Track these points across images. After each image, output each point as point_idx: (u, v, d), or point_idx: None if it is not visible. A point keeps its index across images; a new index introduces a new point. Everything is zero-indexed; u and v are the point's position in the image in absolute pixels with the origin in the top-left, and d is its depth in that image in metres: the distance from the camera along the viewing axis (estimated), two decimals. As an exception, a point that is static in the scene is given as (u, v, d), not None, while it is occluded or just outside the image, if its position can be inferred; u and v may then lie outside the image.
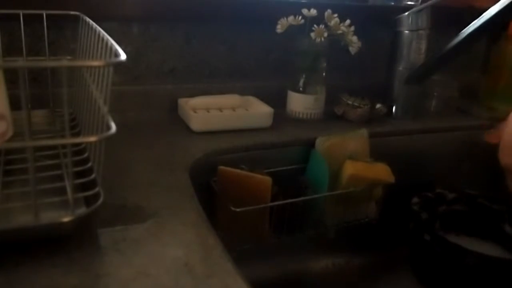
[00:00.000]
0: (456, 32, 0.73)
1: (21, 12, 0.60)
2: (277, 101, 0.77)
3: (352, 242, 0.79)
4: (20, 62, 0.53)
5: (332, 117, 0.80)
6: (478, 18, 0.70)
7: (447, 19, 0.87)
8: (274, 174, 0.62)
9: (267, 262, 0.75)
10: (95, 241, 0.39)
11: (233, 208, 0.57)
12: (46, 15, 0.62)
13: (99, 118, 0.40)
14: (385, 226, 0.76)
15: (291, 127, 0.74)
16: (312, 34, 0.72)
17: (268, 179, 0.60)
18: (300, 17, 0.73)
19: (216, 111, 0.71)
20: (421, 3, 0.84)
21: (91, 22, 0.52)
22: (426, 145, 0.81)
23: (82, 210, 0.39)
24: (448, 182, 0.82)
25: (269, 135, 0.70)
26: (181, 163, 0.58)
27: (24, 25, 0.61)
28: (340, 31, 0.73)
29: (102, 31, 0.45)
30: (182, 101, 0.74)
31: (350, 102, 0.79)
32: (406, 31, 0.81)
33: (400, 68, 0.83)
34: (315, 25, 0.72)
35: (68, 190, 0.42)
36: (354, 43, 0.74)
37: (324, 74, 0.77)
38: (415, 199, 0.73)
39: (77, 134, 0.55)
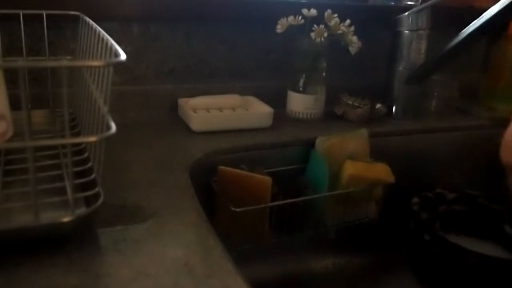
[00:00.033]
0: (456, 32, 0.73)
1: (21, 12, 0.60)
2: (277, 101, 0.77)
3: (352, 242, 0.79)
4: (20, 62, 0.53)
5: (332, 117, 0.80)
6: (478, 18, 0.70)
7: (447, 19, 0.87)
8: (274, 174, 0.62)
9: (267, 262, 0.75)
10: (95, 241, 0.39)
11: (233, 208, 0.57)
12: (46, 15, 0.62)
13: (99, 118, 0.40)
14: (385, 226, 0.76)
15: (291, 127, 0.74)
16: (312, 34, 0.72)
17: (268, 179, 0.60)
18: (300, 17, 0.73)
19: (216, 111, 0.71)
20: (421, 3, 0.84)
21: (91, 22, 0.52)
22: (426, 145, 0.81)
23: (82, 210, 0.39)
24: (448, 182, 0.83)
25: (269, 135, 0.70)
26: (181, 163, 0.58)
27: (24, 25, 0.61)
28: (340, 31, 0.73)
29: (102, 31, 0.45)
30: (182, 101, 0.74)
31: (350, 102, 0.79)
32: (406, 31, 0.81)
33: (400, 68, 0.83)
34: (315, 25, 0.72)
35: (68, 190, 0.42)
36: (354, 43, 0.74)
37: (324, 74, 0.77)
38: (415, 199, 0.73)
39: (77, 134, 0.55)
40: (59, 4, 0.64)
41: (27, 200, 0.37)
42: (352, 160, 0.67)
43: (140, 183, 0.51)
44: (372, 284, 0.79)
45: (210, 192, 0.63)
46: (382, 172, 0.67)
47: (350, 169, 0.66)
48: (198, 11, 0.76)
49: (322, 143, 0.68)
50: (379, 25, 0.88)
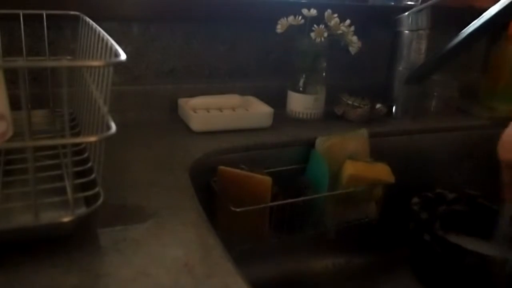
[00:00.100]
0: (456, 32, 0.73)
1: (21, 12, 0.60)
2: (277, 101, 0.77)
3: (352, 242, 0.79)
4: (20, 62, 0.53)
5: (332, 117, 0.80)
6: (478, 18, 0.70)
7: (447, 19, 0.87)
8: (274, 174, 0.62)
9: (267, 262, 0.75)
10: (95, 241, 0.39)
11: (233, 208, 0.57)
12: (46, 15, 0.62)
13: (99, 118, 0.40)
14: (385, 226, 0.76)
15: (291, 127, 0.74)
16: (312, 34, 0.72)
17: (268, 179, 0.60)
18: (300, 17, 0.73)
19: (216, 111, 0.71)
20: (421, 3, 0.84)
21: (91, 22, 0.52)
22: (426, 145, 0.81)
23: (82, 210, 0.39)
24: (448, 182, 0.83)
25: (269, 135, 0.70)
26: (181, 163, 0.58)
27: (24, 25, 0.61)
28: (340, 31, 0.73)
29: (102, 31, 0.45)
30: (182, 101, 0.74)
31: (350, 102, 0.79)
32: (406, 31, 0.81)
33: (400, 68, 0.83)
34: (315, 25, 0.72)
35: (68, 190, 0.42)
36: (354, 43, 0.74)
37: (324, 74, 0.77)
38: (415, 199, 0.73)
39: (77, 134, 0.55)
40: (59, 4, 0.64)
41: (27, 200, 0.37)
42: (352, 160, 0.67)
43: (140, 183, 0.51)
44: (372, 284, 0.79)
45: (210, 192, 0.63)
46: (382, 172, 0.67)
47: (350, 169, 0.66)
48: (198, 11, 0.76)
49: (322, 143, 0.68)
50: (379, 25, 0.88)
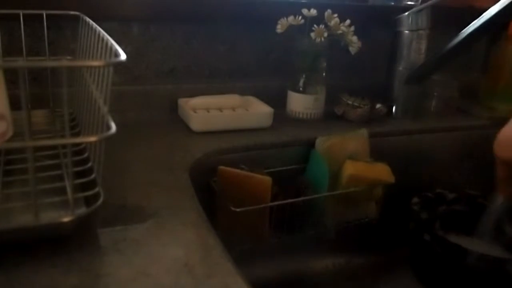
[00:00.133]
0: (456, 32, 0.73)
1: (21, 12, 0.60)
2: (277, 101, 0.77)
3: (352, 242, 0.79)
4: (20, 62, 0.53)
5: (332, 117, 0.79)
6: (478, 18, 0.70)
7: (447, 19, 0.87)
8: (274, 174, 0.62)
9: (267, 262, 0.75)
10: (95, 241, 0.39)
11: (233, 208, 0.57)
12: (46, 15, 0.62)
13: (99, 118, 0.40)
14: (385, 226, 0.76)
15: (291, 127, 0.74)
16: (312, 34, 0.72)
17: (268, 179, 0.60)
18: (300, 17, 0.73)
19: (216, 111, 0.71)
20: (421, 3, 0.84)
21: (91, 22, 0.52)
22: (426, 145, 0.81)
23: (82, 210, 0.39)
24: (448, 182, 0.83)
25: (269, 135, 0.70)
26: (181, 163, 0.58)
27: (24, 25, 0.61)
28: (340, 31, 0.73)
29: (102, 31, 0.45)
30: (182, 101, 0.74)
31: (350, 102, 0.79)
32: (406, 31, 0.81)
33: (400, 68, 0.83)
34: (315, 25, 0.72)
35: (68, 190, 0.42)
36: (354, 43, 0.74)
37: (324, 74, 0.77)
38: (415, 199, 0.73)
39: (77, 134, 0.55)
40: (59, 4, 0.64)
41: (27, 200, 0.37)
42: (352, 160, 0.67)
43: (140, 183, 0.51)
44: (372, 284, 0.79)
45: (210, 192, 0.63)
46: (382, 172, 0.67)
47: (350, 169, 0.66)
48: (198, 11, 0.76)
49: (322, 143, 0.68)
50: (379, 25, 0.88)
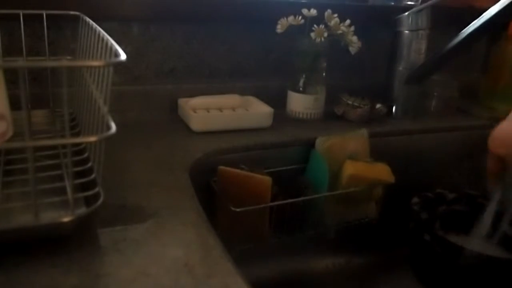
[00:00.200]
0: (456, 32, 0.73)
1: (21, 12, 0.60)
2: (277, 101, 0.77)
3: (352, 242, 0.79)
4: (20, 62, 0.53)
5: (332, 117, 0.80)
6: (478, 18, 0.70)
7: (447, 19, 0.87)
8: (274, 174, 0.62)
9: (267, 262, 0.75)
10: (95, 241, 0.39)
11: (233, 208, 0.57)
12: (46, 15, 0.62)
13: (99, 118, 0.40)
14: (385, 226, 0.76)
15: (291, 127, 0.74)
16: (312, 34, 0.72)
17: (268, 179, 0.60)
18: (300, 17, 0.73)
19: (216, 111, 0.71)
20: (421, 3, 0.84)
21: (91, 22, 0.52)
22: (426, 145, 0.81)
23: (82, 210, 0.39)
24: (448, 182, 0.83)
25: (269, 135, 0.70)
26: (181, 163, 0.58)
27: (24, 25, 0.61)
28: (340, 31, 0.73)
29: (102, 31, 0.45)
30: (182, 101, 0.74)
31: (350, 102, 0.79)
32: (406, 31, 0.81)
33: (400, 68, 0.83)
34: (315, 25, 0.72)
35: (68, 190, 0.42)
36: (354, 43, 0.74)
37: (324, 74, 0.77)
38: (415, 199, 0.73)
39: (77, 134, 0.55)
40: (59, 4, 0.64)
41: (27, 200, 0.37)
42: (352, 160, 0.67)
43: (140, 183, 0.51)
44: (372, 284, 0.79)
45: (210, 192, 0.63)
46: (382, 172, 0.67)
47: (350, 169, 0.66)
48: (198, 11, 0.76)
49: (322, 143, 0.68)
50: (379, 25, 0.88)
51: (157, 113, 0.76)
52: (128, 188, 0.50)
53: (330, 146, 0.68)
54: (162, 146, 0.63)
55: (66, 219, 0.37)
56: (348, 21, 0.73)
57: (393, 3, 0.93)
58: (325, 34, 0.72)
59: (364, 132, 0.71)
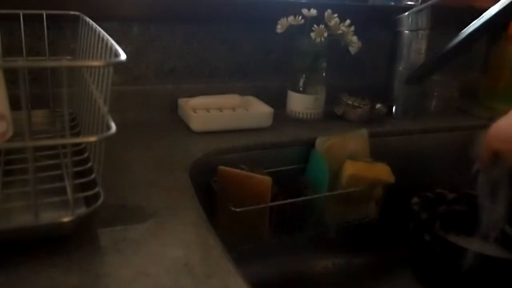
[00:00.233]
0: (456, 32, 0.73)
1: (21, 12, 0.60)
2: (277, 101, 0.77)
3: (352, 242, 0.79)
4: (20, 62, 0.53)
5: (332, 117, 0.80)
6: (478, 18, 0.70)
7: (447, 19, 0.87)
8: (274, 174, 0.62)
9: (267, 262, 0.75)
10: (95, 241, 0.39)
11: (233, 208, 0.57)
12: (46, 15, 0.62)
13: (99, 118, 0.40)
14: (385, 226, 0.76)
15: (291, 127, 0.74)
16: (312, 34, 0.72)
17: (268, 179, 0.60)
18: (300, 17, 0.73)
19: (216, 111, 0.71)
20: (421, 3, 0.84)
21: (91, 22, 0.52)
22: (426, 145, 0.81)
23: (82, 210, 0.39)
24: (448, 182, 0.82)
25: (269, 135, 0.70)
26: (181, 163, 0.58)
27: (24, 25, 0.61)
28: (340, 31, 0.73)
29: (102, 31, 0.45)
30: (182, 101, 0.74)
31: (350, 102, 0.79)
32: (406, 31, 0.81)
33: (400, 68, 0.83)
34: (315, 25, 0.72)
35: (68, 190, 0.42)
36: (354, 43, 0.74)
37: (324, 74, 0.77)
38: (415, 199, 0.73)
39: (77, 134, 0.55)
40: (59, 4, 0.64)
41: (27, 200, 0.37)
42: (352, 160, 0.67)
43: (140, 183, 0.51)
44: (372, 284, 0.78)
45: (210, 192, 0.63)
46: (382, 172, 0.67)
47: (350, 169, 0.66)
48: (198, 11, 0.76)
49: (322, 143, 0.68)
50: (379, 25, 0.88)
51: (157, 113, 0.76)
52: (128, 188, 0.50)
53: (330, 146, 0.68)
54: (162, 146, 0.63)
55: (66, 219, 0.37)
56: (348, 21, 0.73)
57: (393, 3, 0.93)
58: (325, 34, 0.72)
59: (364, 132, 0.71)
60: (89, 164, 0.46)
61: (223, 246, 0.40)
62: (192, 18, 0.77)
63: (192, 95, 0.75)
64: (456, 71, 0.91)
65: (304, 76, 0.76)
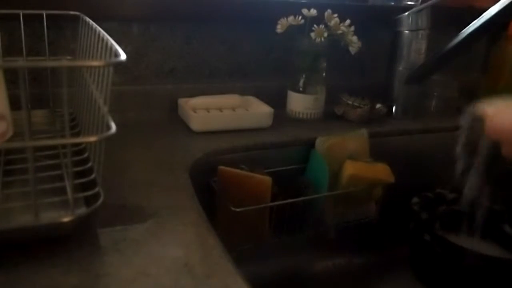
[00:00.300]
0: (456, 32, 0.73)
1: (21, 12, 0.60)
2: (277, 101, 0.77)
3: (352, 242, 0.79)
4: (20, 62, 0.53)
5: (332, 117, 0.80)
6: (478, 18, 0.70)
7: (447, 19, 0.87)
8: (274, 174, 0.62)
9: (267, 262, 0.75)
10: (95, 241, 0.39)
11: (233, 208, 0.57)
12: (46, 15, 0.62)
13: (99, 118, 0.40)
14: (385, 226, 0.76)
15: (291, 127, 0.74)
16: (312, 34, 0.72)
17: (268, 179, 0.60)
18: (300, 17, 0.73)
19: (216, 111, 0.71)
20: (421, 3, 0.84)
21: (91, 22, 0.52)
22: (426, 145, 0.81)
23: (82, 210, 0.39)
24: (448, 182, 0.82)
25: (269, 135, 0.70)
26: (181, 163, 0.58)
27: (24, 25, 0.61)
28: (340, 31, 0.73)
29: (102, 31, 0.45)
30: (182, 101, 0.74)
31: (350, 102, 0.79)
32: (406, 31, 0.81)
33: (400, 68, 0.83)
34: (315, 25, 0.72)
35: (68, 190, 0.42)
36: (354, 43, 0.74)
37: (324, 74, 0.77)
38: (415, 199, 0.73)
39: (77, 134, 0.55)
40: (59, 4, 0.64)
41: (27, 200, 0.37)
42: (352, 160, 0.67)
43: (140, 183, 0.51)
44: (372, 284, 0.78)
45: (210, 192, 0.63)
46: (382, 172, 0.67)
47: (350, 169, 0.66)
48: (198, 11, 0.76)
49: (322, 143, 0.68)
50: (379, 25, 0.88)
51: (157, 113, 0.76)
52: (128, 188, 0.50)
53: (330, 146, 0.68)
54: (162, 146, 0.63)
55: (66, 219, 0.37)
56: (348, 21, 0.73)
57: (393, 3, 0.93)
58: (325, 34, 0.72)
59: (364, 132, 0.71)
60: (89, 164, 0.46)
61: (223, 246, 0.40)
62: (192, 18, 0.77)
63: (192, 95, 0.75)
64: (456, 71, 0.91)
65: (304, 76, 0.76)
